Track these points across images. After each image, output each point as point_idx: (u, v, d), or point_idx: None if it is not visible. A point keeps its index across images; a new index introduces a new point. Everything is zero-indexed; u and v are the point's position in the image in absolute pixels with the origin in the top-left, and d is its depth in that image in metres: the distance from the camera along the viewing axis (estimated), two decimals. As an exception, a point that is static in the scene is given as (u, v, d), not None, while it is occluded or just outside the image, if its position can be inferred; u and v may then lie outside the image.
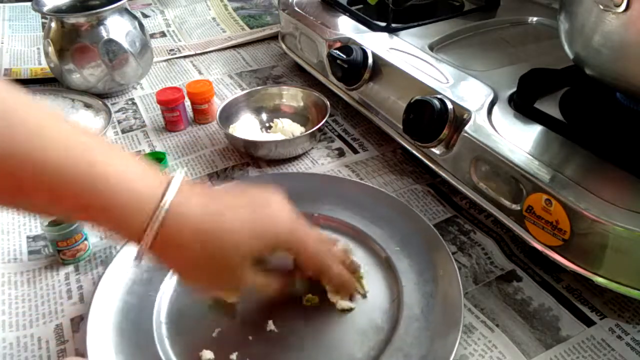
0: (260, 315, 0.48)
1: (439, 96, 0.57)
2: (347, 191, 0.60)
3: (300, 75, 0.91)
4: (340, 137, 0.75)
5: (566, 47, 0.54)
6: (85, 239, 0.56)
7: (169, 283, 0.51)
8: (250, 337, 0.46)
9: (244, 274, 0.40)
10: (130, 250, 0.52)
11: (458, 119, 0.56)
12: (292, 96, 0.78)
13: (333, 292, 0.47)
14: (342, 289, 0.47)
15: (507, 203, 0.50)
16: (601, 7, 0.46)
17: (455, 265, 0.49)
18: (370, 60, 0.68)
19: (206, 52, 1.00)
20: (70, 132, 0.36)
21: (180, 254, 0.38)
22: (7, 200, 0.36)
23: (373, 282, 0.50)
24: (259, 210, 0.41)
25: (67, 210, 0.37)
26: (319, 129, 0.70)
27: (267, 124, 0.75)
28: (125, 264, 0.52)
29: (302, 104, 0.77)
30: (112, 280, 0.50)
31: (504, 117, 0.55)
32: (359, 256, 0.53)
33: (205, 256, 0.39)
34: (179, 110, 0.76)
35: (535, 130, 0.53)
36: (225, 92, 0.87)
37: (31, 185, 0.34)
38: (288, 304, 0.48)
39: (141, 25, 0.85)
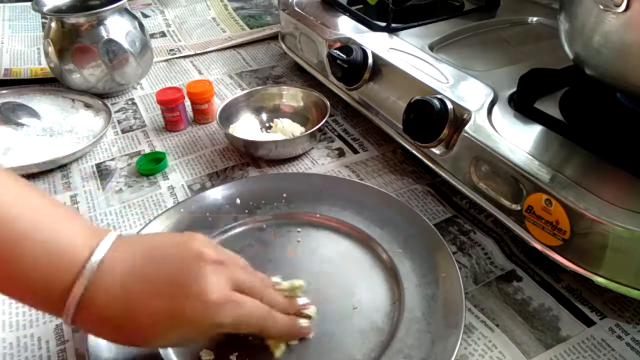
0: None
1: (439, 96, 0.57)
2: (347, 191, 0.60)
3: (300, 75, 0.91)
4: (340, 137, 0.75)
5: (566, 47, 0.54)
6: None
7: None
8: (251, 338, 0.46)
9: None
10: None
11: (458, 119, 0.56)
12: (292, 96, 0.78)
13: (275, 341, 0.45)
14: (288, 337, 0.45)
15: (507, 203, 0.50)
16: (601, 7, 0.46)
17: (457, 268, 0.49)
18: (370, 60, 0.68)
19: (206, 52, 1.00)
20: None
21: (100, 329, 0.38)
22: None
23: (374, 283, 0.50)
24: (178, 295, 0.37)
25: None
26: (319, 129, 0.70)
27: (267, 124, 0.75)
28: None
29: (302, 104, 0.77)
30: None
31: (504, 117, 0.55)
32: (360, 257, 0.53)
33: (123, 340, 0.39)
34: (179, 110, 0.76)
35: (535, 130, 0.53)
36: (225, 92, 0.87)
37: None
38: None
39: (141, 25, 0.85)
